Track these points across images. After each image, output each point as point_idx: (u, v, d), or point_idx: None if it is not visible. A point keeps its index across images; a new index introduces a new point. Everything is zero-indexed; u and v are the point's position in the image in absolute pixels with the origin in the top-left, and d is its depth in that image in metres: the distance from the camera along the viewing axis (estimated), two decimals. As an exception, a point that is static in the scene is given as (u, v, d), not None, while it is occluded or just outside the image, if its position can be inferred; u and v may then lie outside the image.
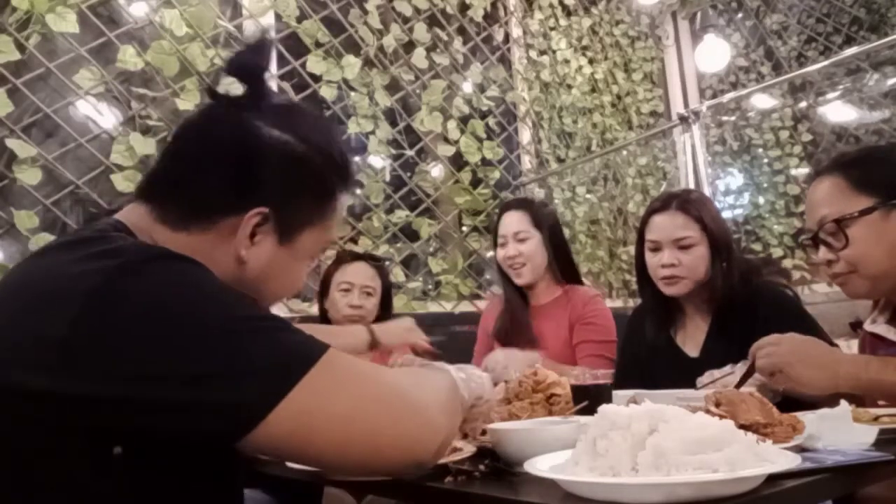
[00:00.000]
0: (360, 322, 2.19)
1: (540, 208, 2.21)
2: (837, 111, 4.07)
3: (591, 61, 4.09)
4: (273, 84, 2.77)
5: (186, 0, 2.54)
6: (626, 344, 1.90)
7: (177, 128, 0.87)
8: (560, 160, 3.80)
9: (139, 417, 0.64)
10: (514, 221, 2.15)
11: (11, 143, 2.16)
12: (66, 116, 2.32)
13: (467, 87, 3.46)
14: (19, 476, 0.64)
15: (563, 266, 2.19)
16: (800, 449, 0.91)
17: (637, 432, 0.74)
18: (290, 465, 1.05)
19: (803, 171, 4.10)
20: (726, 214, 4.19)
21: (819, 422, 0.96)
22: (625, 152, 4.10)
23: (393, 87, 3.15)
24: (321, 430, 0.67)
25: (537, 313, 2.17)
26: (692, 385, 1.44)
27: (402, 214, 3.10)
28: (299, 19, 2.88)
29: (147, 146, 2.38)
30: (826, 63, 3.27)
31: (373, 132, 3.04)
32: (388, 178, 3.17)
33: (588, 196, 3.87)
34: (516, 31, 3.81)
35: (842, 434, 0.94)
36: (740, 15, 4.49)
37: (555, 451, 0.88)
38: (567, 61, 3.97)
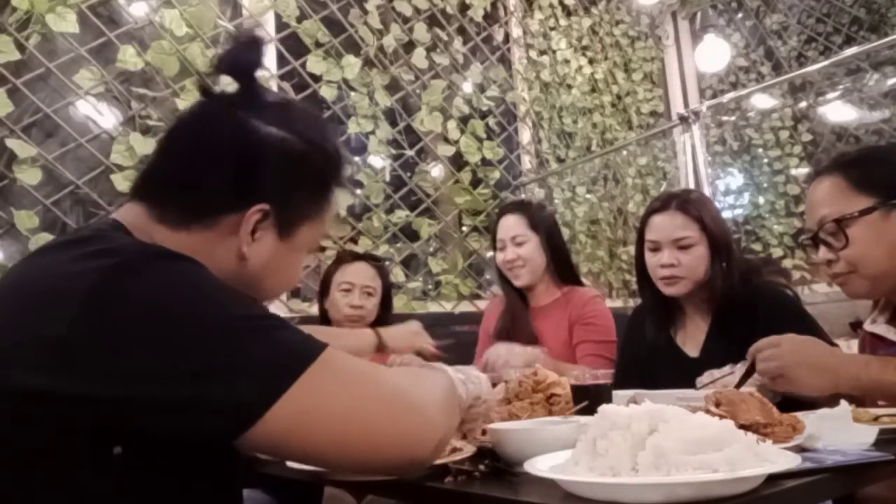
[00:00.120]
0: (360, 322, 2.20)
1: (537, 211, 2.22)
2: (837, 111, 4.07)
3: (591, 61, 4.09)
4: (273, 84, 2.78)
5: (186, 0, 2.54)
6: (626, 344, 1.90)
7: (170, 126, 0.87)
8: (560, 160, 3.81)
9: (138, 416, 0.64)
10: (511, 225, 2.17)
11: (11, 143, 2.16)
12: (66, 116, 2.32)
13: (467, 87, 3.46)
14: (19, 476, 0.64)
15: (561, 267, 2.20)
16: (800, 449, 0.91)
17: (637, 432, 0.74)
18: (290, 465, 1.05)
19: (803, 171, 4.10)
20: (726, 214, 4.19)
21: (819, 422, 0.96)
22: (625, 152, 4.10)
23: (393, 87, 3.15)
24: (319, 429, 0.67)
25: (537, 314, 2.17)
26: (692, 385, 1.43)
27: (402, 214, 3.10)
28: (299, 19, 2.88)
29: (147, 146, 2.38)
30: (826, 63, 3.27)
31: (373, 132, 3.04)
32: (388, 178, 3.17)
33: (588, 196, 3.87)
34: (516, 31, 3.81)
35: (842, 434, 0.94)
36: (740, 15, 4.49)
37: (555, 451, 0.88)
38: (567, 61, 3.97)
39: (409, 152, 3.19)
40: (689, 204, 1.70)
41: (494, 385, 1.17)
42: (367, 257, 2.35)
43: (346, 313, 2.18)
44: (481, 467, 0.92)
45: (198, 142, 0.83)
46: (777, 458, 0.75)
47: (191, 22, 2.53)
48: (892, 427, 0.99)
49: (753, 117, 4.29)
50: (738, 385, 1.26)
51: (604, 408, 0.81)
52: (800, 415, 1.01)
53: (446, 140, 3.30)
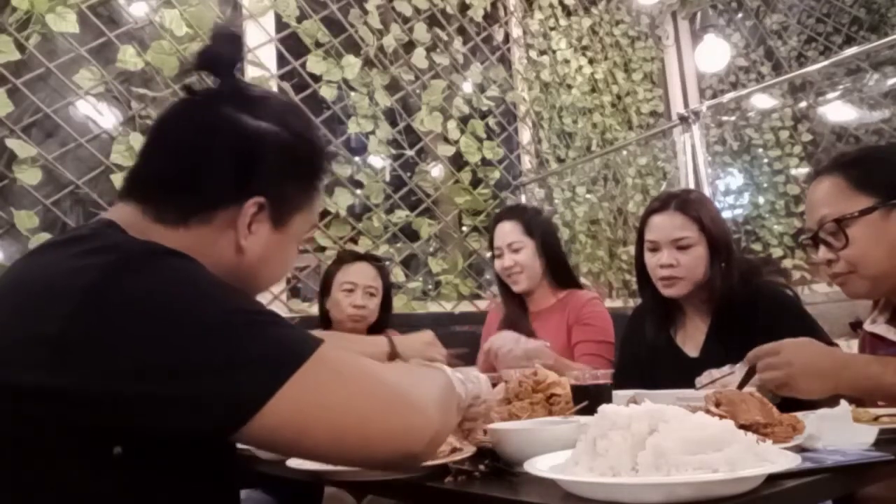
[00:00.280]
0: (362, 322, 2.21)
1: (532, 216, 2.22)
2: (837, 111, 4.07)
3: (591, 61, 4.09)
4: (273, 84, 2.77)
5: (186, 0, 2.54)
6: (626, 344, 1.90)
7: (154, 125, 0.87)
8: (560, 160, 3.80)
9: (136, 413, 0.64)
10: (506, 232, 2.18)
11: (11, 143, 2.16)
12: (66, 116, 2.32)
13: (467, 87, 3.46)
14: (19, 476, 0.65)
15: (558, 272, 2.20)
16: (800, 449, 0.91)
17: (637, 432, 0.74)
18: (290, 465, 1.05)
19: (803, 171, 4.10)
20: (726, 214, 4.19)
21: (819, 422, 0.96)
22: (625, 152, 4.10)
23: (393, 87, 3.15)
24: (315, 423, 0.68)
25: (536, 319, 2.19)
26: (692, 385, 1.43)
27: (402, 214, 3.10)
28: (299, 19, 2.88)
29: (147, 146, 2.37)
30: (826, 63, 3.27)
31: (373, 132, 3.04)
32: (388, 178, 3.17)
33: (588, 196, 3.87)
34: (516, 31, 3.81)
35: (842, 434, 0.94)
36: (740, 15, 4.49)
37: (555, 451, 0.88)
38: (567, 61, 3.97)
39: (409, 152, 3.19)
40: (688, 204, 1.70)
41: (494, 385, 1.17)
42: (369, 257, 2.35)
43: (348, 313, 2.19)
44: (481, 467, 0.92)
45: (189, 139, 0.83)
46: (777, 458, 0.75)
47: (191, 22, 2.53)
48: (892, 427, 0.99)
49: (753, 117, 4.29)
50: (740, 387, 1.26)
51: (604, 408, 0.81)
52: (800, 415, 1.01)
53: (446, 140, 3.30)
